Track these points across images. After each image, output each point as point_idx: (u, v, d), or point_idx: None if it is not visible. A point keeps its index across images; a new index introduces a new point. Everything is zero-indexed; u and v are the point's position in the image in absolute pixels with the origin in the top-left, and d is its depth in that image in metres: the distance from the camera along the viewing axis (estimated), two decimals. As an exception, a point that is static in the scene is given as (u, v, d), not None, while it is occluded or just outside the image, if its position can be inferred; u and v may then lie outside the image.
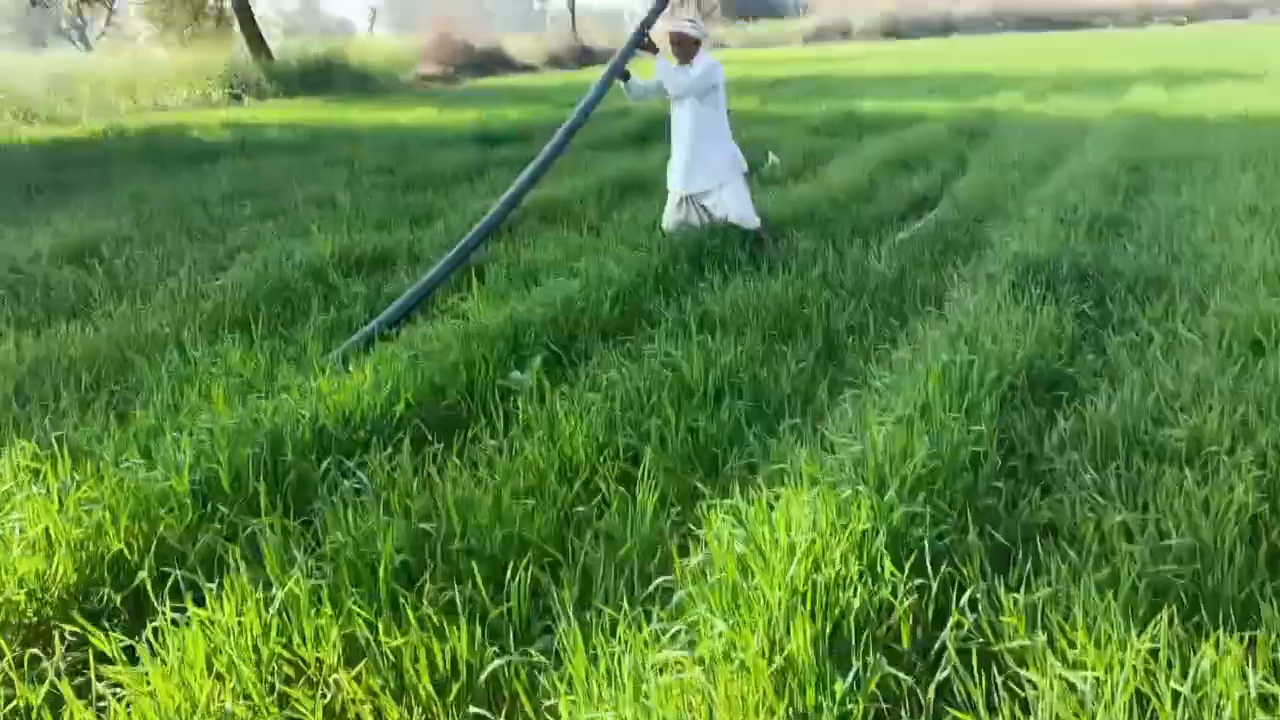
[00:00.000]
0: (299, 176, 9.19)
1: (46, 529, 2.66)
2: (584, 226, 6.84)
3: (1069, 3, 52.37)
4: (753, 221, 6.01)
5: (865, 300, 4.87)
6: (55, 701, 2.19)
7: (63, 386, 3.99)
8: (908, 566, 2.31)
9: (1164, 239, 5.65)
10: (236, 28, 25.01)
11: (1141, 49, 27.77)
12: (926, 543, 2.39)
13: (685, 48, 5.85)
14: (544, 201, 7.56)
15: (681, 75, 5.81)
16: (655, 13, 5.97)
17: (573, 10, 41.51)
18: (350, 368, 3.84)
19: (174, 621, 2.30)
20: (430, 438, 3.33)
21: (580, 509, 2.93)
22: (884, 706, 2.11)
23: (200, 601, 2.35)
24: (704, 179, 5.95)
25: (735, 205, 5.94)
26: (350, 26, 55.82)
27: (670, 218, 6.12)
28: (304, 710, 2.13)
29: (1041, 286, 4.65)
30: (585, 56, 37.79)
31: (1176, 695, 1.92)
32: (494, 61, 32.72)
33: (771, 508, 2.54)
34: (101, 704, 2.18)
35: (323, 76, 24.21)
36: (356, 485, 2.98)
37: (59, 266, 5.99)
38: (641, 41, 5.79)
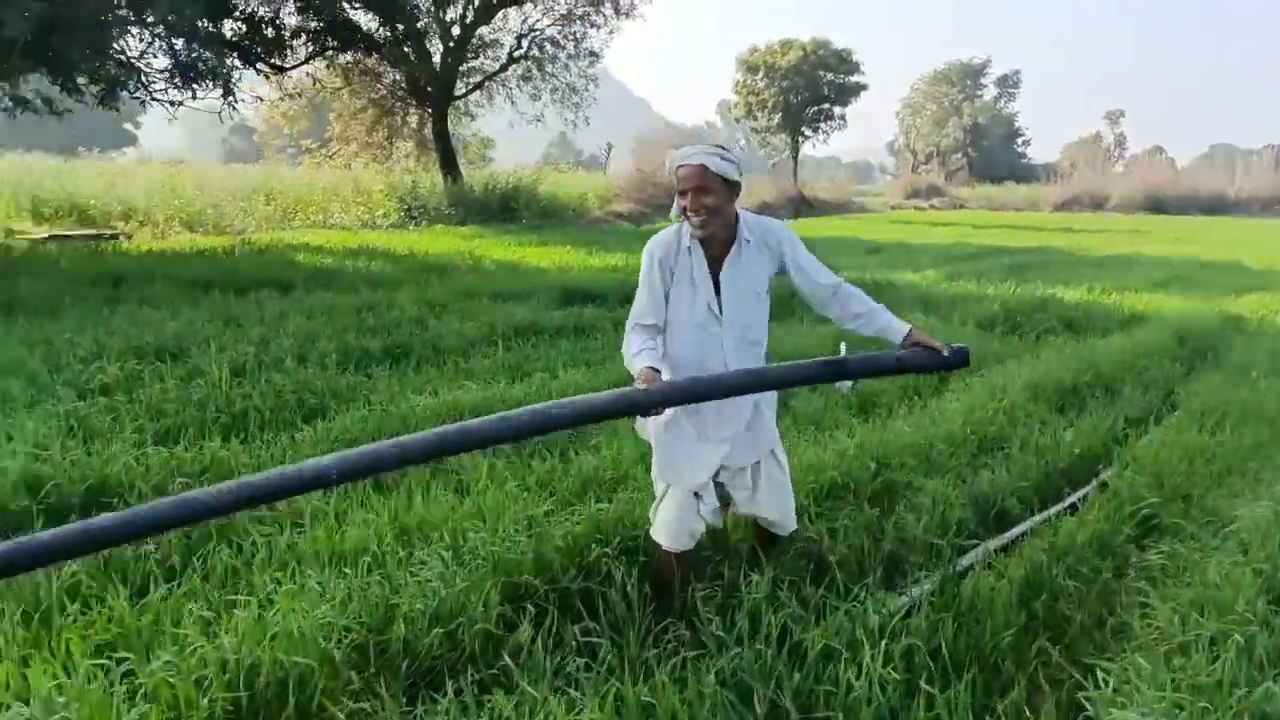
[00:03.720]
0: (262, 328, 7.52)
1: None
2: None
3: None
4: (792, 520, 3.36)
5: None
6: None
7: None
8: None
9: None
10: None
11: None
12: None
13: (711, 197, 2.91)
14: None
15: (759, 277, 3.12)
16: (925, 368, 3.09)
17: (795, 159, 40.19)
18: None
19: None
20: None
21: None
22: None
23: None
24: (753, 448, 3.19)
25: (782, 493, 3.27)
26: (599, 162, 57.20)
27: (681, 525, 3.15)
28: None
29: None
30: (804, 206, 36.12)
31: None
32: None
33: None
34: None
35: (505, 206, 23.74)
36: None
37: None
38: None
